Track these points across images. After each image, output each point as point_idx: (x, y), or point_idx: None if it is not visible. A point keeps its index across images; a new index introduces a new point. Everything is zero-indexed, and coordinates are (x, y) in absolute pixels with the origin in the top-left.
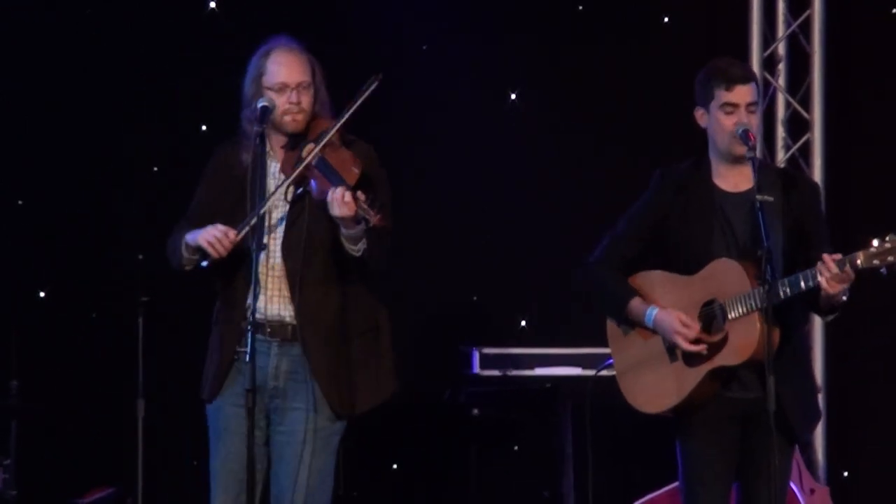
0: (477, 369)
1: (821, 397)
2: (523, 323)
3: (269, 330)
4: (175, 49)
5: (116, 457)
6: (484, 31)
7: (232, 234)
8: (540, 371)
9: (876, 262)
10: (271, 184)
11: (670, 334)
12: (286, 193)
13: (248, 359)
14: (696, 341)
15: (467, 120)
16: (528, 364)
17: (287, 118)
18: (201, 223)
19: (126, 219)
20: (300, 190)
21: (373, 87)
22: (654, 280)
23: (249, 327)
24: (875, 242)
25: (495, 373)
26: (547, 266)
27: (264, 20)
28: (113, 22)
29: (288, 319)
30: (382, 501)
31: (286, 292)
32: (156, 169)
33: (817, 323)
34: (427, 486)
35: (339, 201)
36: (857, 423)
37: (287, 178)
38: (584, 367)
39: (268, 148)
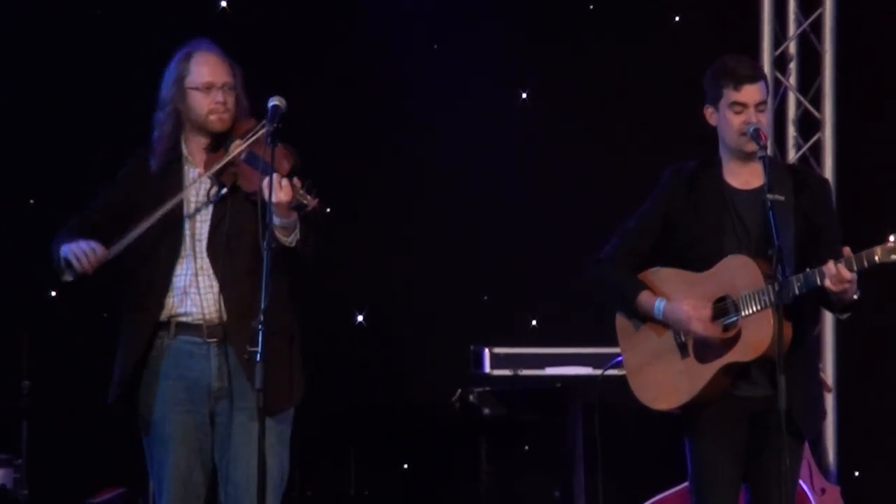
0: (487, 369)
1: (832, 397)
2: (534, 322)
3: (206, 331)
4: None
5: (127, 457)
6: (494, 31)
7: (101, 251)
8: (550, 371)
9: (894, 256)
10: (192, 189)
11: (683, 321)
12: (209, 194)
13: (258, 358)
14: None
15: (478, 119)
16: (538, 364)
17: (213, 117)
18: (99, 222)
19: None
20: (223, 190)
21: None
22: (664, 277)
23: (261, 327)
24: (892, 238)
25: (506, 372)
26: (557, 265)
27: (275, 20)
28: (124, 22)
29: (218, 320)
30: (393, 501)
31: (217, 293)
32: None
33: (829, 322)
34: (437, 486)
35: (276, 187)
36: (869, 422)
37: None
38: (595, 367)
39: (184, 153)
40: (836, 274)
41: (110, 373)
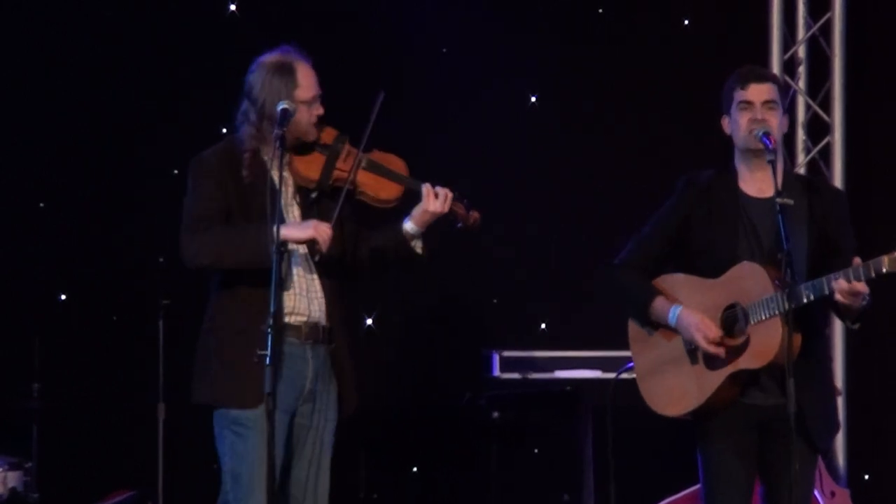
0: (497, 372)
1: (841, 400)
2: (543, 326)
3: (304, 332)
4: (195, 52)
5: (137, 460)
6: (504, 35)
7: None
8: (560, 374)
9: None
10: (286, 192)
11: (692, 331)
12: (297, 197)
13: (268, 361)
14: (717, 345)
15: (487, 123)
16: (548, 367)
17: (313, 129)
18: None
19: (147, 222)
20: (314, 194)
21: (380, 101)
22: (677, 283)
23: (270, 330)
24: None
25: (515, 376)
26: (567, 269)
27: (284, 23)
28: (133, 25)
29: (323, 322)
30: None
31: (318, 294)
32: (176, 172)
33: (838, 327)
34: (447, 489)
35: (437, 197)
36: (878, 426)
37: (320, 182)
38: (605, 370)
39: (264, 157)
40: (845, 289)
41: (120, 374)
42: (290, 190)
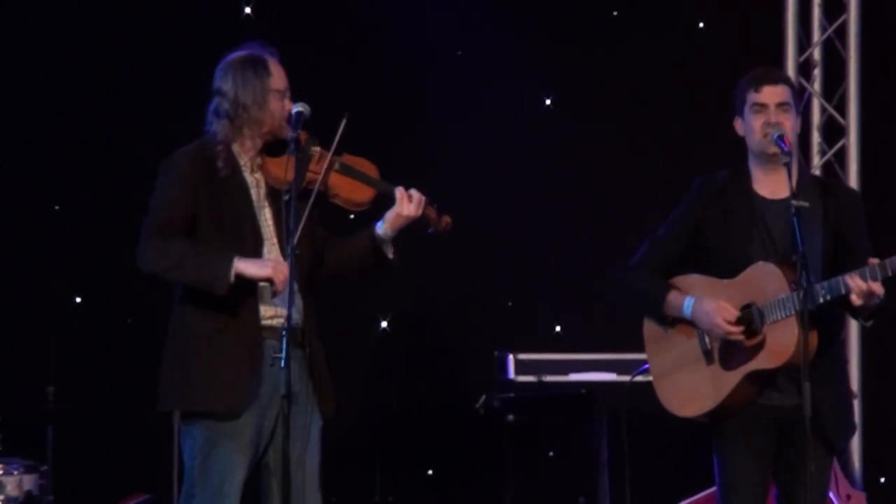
0: (512, 375)
1: (857, 403)
2: (558, 328)
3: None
4: (211, 54)
5: (152, 463)
6: (519, 37)
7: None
8: (575, 377)
9: None
10: (256, 193)
11: (710, 317)
12: (269, 199)
13: (283, 364)
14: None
15: (502, 125)
16: (563, 370)
17: (286, 124)
18: (186, 231)
19: None
20: (286, 196)
21: (345, 120)
22: (692, 283)
23: (284, 332)
24: None
25: (530, 378)
26: (582, 271)
27: (298, 26)
28: (149, 28)
29: (300, 324)
30: None
31: (297, 298)
32: None
33: (854, 329)
34: (462, 493)
35: (411, 201)
36: (894, 428)
37: (293, 183)
38: (619, 373)
39: (236, 155)
40: (862, 288)
41: (135, 377)
42: (262, 191)
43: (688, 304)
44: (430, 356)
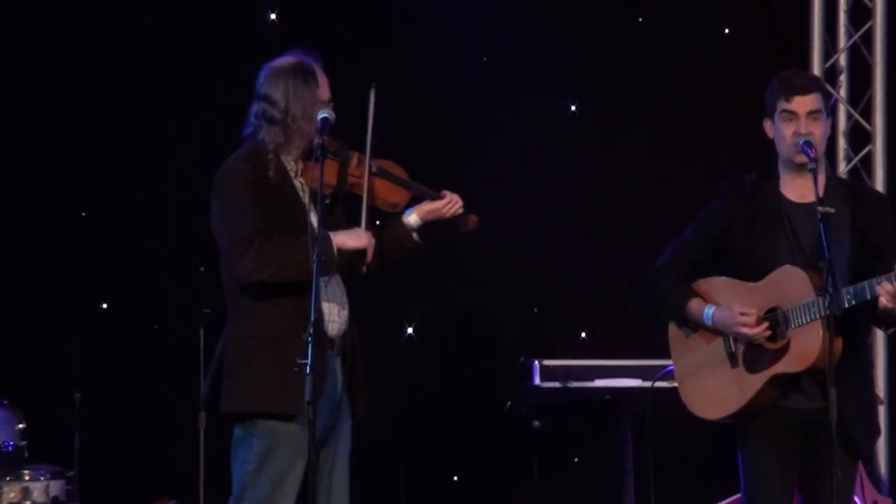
0: (537, 381)
1: (884, 409)
2: (583, 335)
3: (338, 343)
4: (236, 60)
5: (178, 468)
6: (544, 44)
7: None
8: (600, 383)
9: None
10: (303, 196)
11: (731, 326)
12: (314, 204)
13: (308, 370)
14: (757, 326)
15: (528, 131)
16: (588, 376)
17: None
18: (269, 232)
19: (188, 231)
20: (328, 200)
21: (373, 97)
22: (716, 286)
23: (310, 339)
24: None
25: (555, 384)
26: (607, 278)
27: (324, 32)
28: (174, 34)
29: (343, 332)
30: None
31: (345, 304)
32: None
33: (880, 335)
34: (487, 498)
35: (453, 203)
36: None
37: (330, 187)
38: (644, 379)
39: (285, 160)
40: (891, 291)
41: (161, 383)
42: (307, 196)
43: (707, 315)
44: (456, 362)
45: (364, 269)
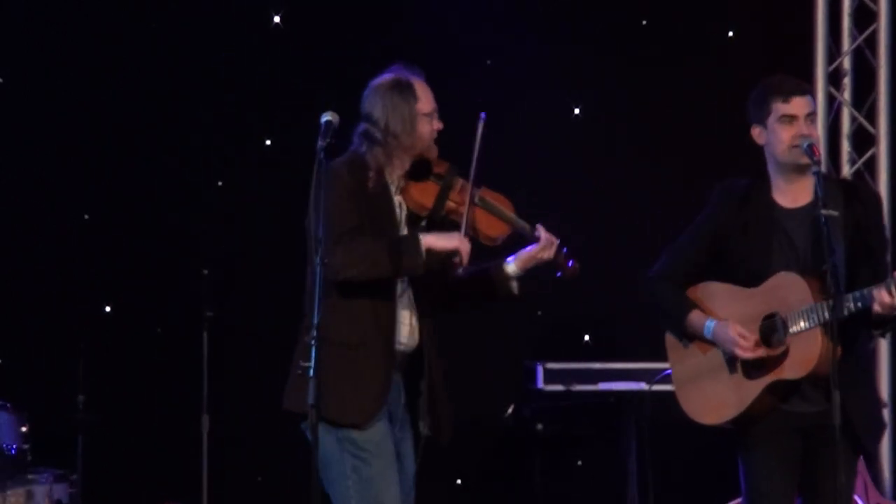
0: (541, 384)
1: (887, 411)
2: (587, 338)
3: (400, 360)
4: (240, 64)
5: (181, 472)
6: (548, 46)
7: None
8: (604, 386)
9: None
10: (399, 214)
11: (729, 345)
12: (407, 223)
13: (311, 374)
14: (756, 349)
15: (531, 134)
16: (592, 379)
17: (434, 145)
18: (362, 230)
19: (191, 234)
20: (424, 223)
21: (481, 127)
22: (713, 292)
23: (314, 342)
24: None
25: (559, 388)
26: (610, 281)
27: (327, 35)
28: (179, 38)
29: (414, 348)
30: None
31: (415, 322)
32: (220, 184)
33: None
34: (491, 501)
35: (549, 245)
36: None
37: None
38: (648, 382)
39: (389, 177)
40: (888, 302)
41: (164, 386)
42: (404, 213)
43: (707, 329)
44: (460, 365)
45: (459, 271)
